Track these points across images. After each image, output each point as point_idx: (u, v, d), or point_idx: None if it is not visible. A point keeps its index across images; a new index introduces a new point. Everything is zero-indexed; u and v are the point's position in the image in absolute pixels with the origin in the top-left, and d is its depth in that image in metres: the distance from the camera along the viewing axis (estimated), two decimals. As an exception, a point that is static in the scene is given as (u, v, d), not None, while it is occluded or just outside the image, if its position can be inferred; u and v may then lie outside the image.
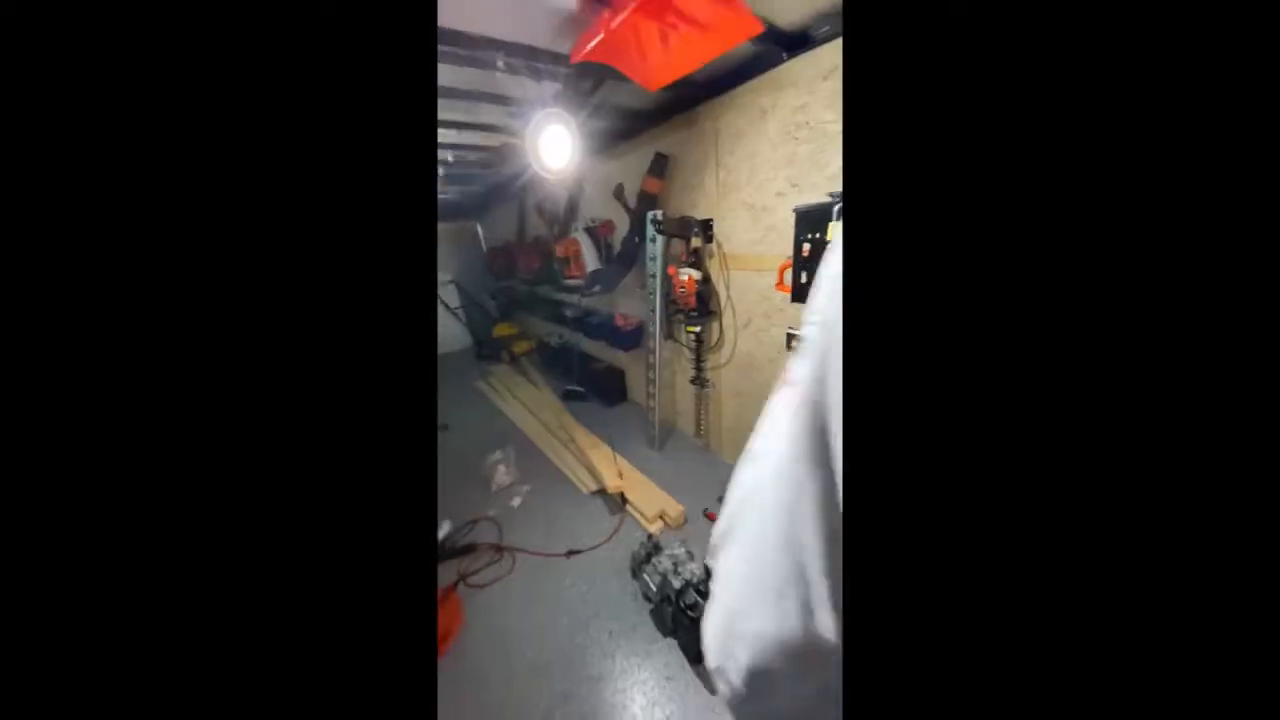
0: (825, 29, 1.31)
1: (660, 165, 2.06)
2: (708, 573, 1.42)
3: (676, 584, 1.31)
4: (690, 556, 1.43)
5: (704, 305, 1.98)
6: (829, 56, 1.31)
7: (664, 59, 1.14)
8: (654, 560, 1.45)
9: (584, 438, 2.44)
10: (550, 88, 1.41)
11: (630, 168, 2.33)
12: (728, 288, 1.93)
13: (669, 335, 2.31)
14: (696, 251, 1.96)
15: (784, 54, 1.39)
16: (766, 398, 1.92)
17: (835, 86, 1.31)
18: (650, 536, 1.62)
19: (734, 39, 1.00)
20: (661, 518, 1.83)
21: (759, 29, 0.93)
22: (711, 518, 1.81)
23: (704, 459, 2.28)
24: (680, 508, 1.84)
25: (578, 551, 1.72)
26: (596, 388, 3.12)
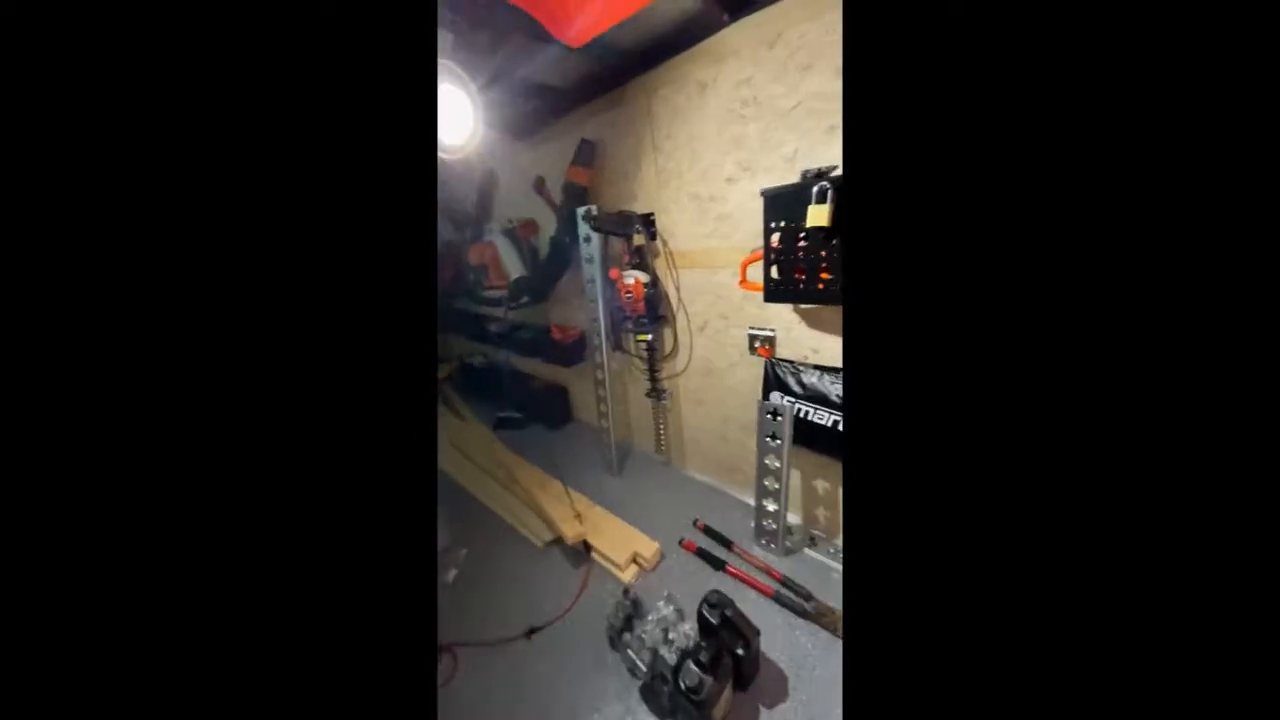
0: (766, -10, 1.15)
1: (586, 152, 1.79)
2: (703, 629, 1.21)
3: (671, 658, 1.07)
4: (680, 615, 1.20)
5: (654, 310, 1.76)
6: (773, 22, 1.16)
7: (590, 3, 0.87)
8: (637, 628, 1.19)
9: (529, 475, 2.07)
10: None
11: (551, 157, 2.02)
12: (678, 289, 1.73)
13: (617, 345, 2.05)
14: (640, 250, 1.73)
15: (725, 15, 1.21)
16: (730, 404, 1.69)
17: (783, 55, 1.16)
18: (627, 591, 1.35)
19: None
20: (635, 561, 1.57)
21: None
22: (690, 547, 1.60)
23: (669, 477, 2.08)
24: (654, 545, 1.60)
25: (539, 628, 1.38)
26: (536, 410, 2.74)
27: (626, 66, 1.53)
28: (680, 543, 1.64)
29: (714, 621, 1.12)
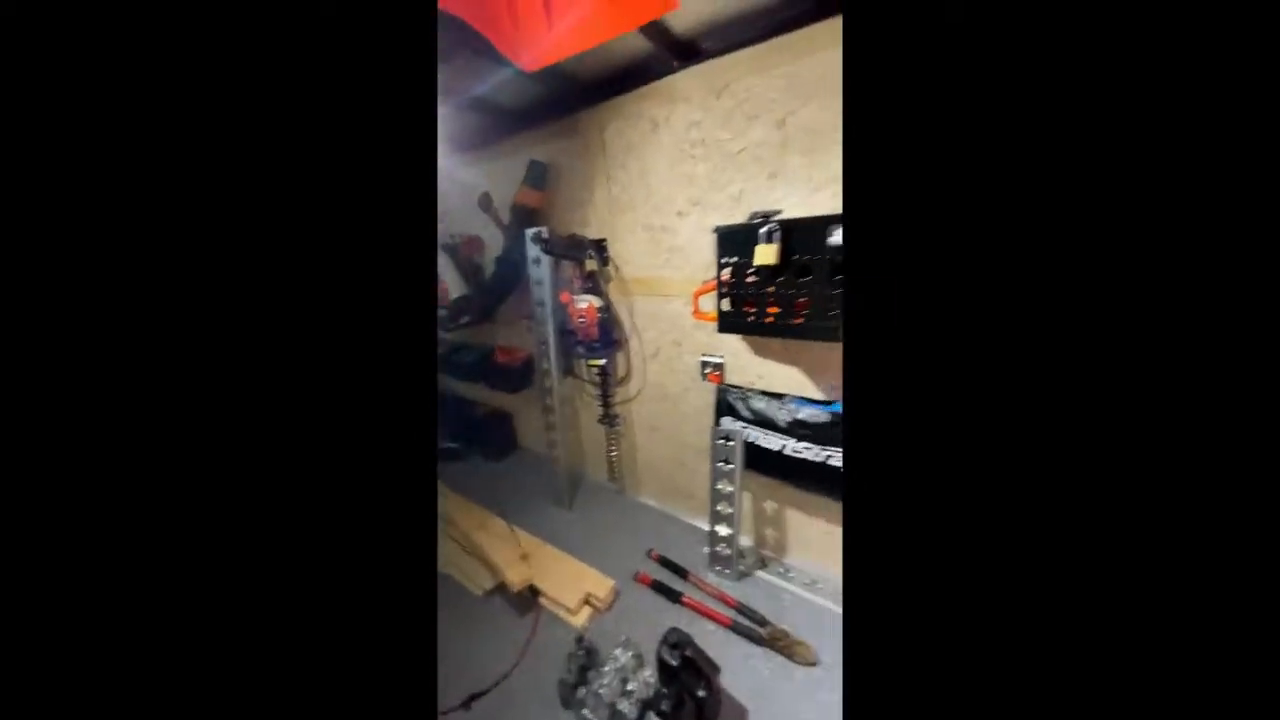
0: (711, 42, 1.24)
1: (538, 174, 1.75)
2: (663, 673, 1.15)
3: (631, 712, 1.00)
4: (639, 661, 1.13)
5: (607, 335, 1.74)
6: (720, 73, 1.24)
7: (545, 28, 0.86)
8: (593, 681, 1.10)
9: (468, 515, 1.88)
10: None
11: (497, 175, 1.95)
12: (631, 315, 1.73)
13: (568, 371, 1.98)
14: (592, 275, 1.71)
15: (674, 62, 1.27)
16: (685, 430, 1.70)
17: (730, 104, 1.25)
18: (580, 638, 1.26)
19: (642, 14, 0.80)
20: (588, 602, 1.47)
21: (675, 4, 0.75)
22: (645, 581, 1.55)
23: (623, 505, 2.02)
24: (609, 582, 1.52)
25: (481, 694, 1.22)
26: (477, 439, 2.53)
27: (580, 95, 1.54)
28: (635, 577, 1.57)
29: (674, 663, 1.08)
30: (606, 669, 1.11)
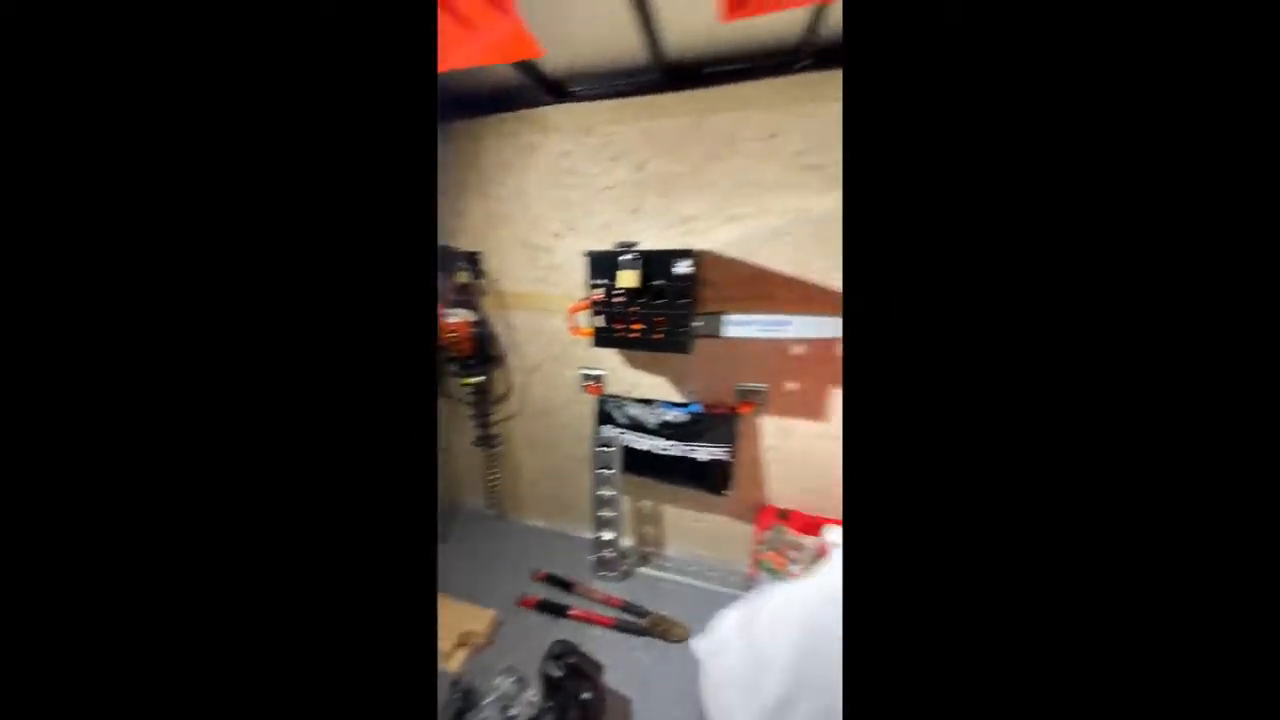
0: (579, 87, 1.37)
1: (397, 178, 1.61)
2: (548, 687, 1.13)
3: (513, 738, 0.96)
4: (522, 684, 1.10)
5: (483, 351, 1.67)
6: (586, 115, 1.38)
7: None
8: (470, 720, 1.02)
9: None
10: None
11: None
12: (511, 330, 1.71)
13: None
14: (465, 288, 1.63)
15: (545, 96, 1.36)
16: (566, 442, 1.78)
17: (596, 144, 1.39)
18: (455, 682, 1.15)
19: (502, 53, 0.86)
20: (464, 642, 1.36)
21: (536, 52, 0.83)
22: (529, 603, 1.50)
23: (504, 531, 1.91)
24: (489, 614, 1.43)
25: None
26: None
27: (451, 106, 1.50)
28: (519, 601, 1.51)
29: (559, 674, 1.09)
30: (486, 703, 1.05)
